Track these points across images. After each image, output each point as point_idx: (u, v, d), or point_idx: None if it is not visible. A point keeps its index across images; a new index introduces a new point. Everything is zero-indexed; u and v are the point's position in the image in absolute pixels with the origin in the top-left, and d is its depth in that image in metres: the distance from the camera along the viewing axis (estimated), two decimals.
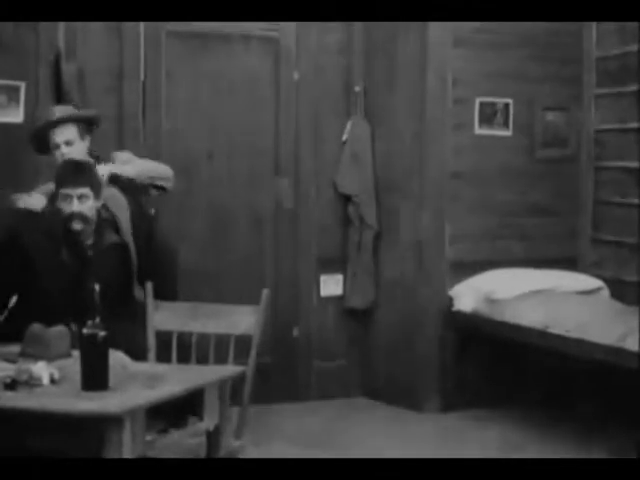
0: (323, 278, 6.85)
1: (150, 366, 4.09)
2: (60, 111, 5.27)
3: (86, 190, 4.74)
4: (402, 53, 6.64)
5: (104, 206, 4.91)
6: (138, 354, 4.26)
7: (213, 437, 3.80)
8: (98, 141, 5.88)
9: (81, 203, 4.72)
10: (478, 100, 6.58)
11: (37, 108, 5.78)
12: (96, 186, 4.80)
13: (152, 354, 4.32)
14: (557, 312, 5.82)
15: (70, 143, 5.15)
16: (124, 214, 5.04)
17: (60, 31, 5.92)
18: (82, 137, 5.21)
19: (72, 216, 4.72)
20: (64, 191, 4.74)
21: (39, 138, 5.23)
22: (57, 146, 5.14)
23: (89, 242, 4.85)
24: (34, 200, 4.99)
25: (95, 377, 3.40)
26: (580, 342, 5.48)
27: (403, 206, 6.65)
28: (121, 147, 6.11)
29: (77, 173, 4.80)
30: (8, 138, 5.76)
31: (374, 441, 5.86)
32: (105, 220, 4.92)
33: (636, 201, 6.34)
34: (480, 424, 6.17)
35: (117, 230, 4.95)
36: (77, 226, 4.74)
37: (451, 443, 5.82)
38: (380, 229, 6.82)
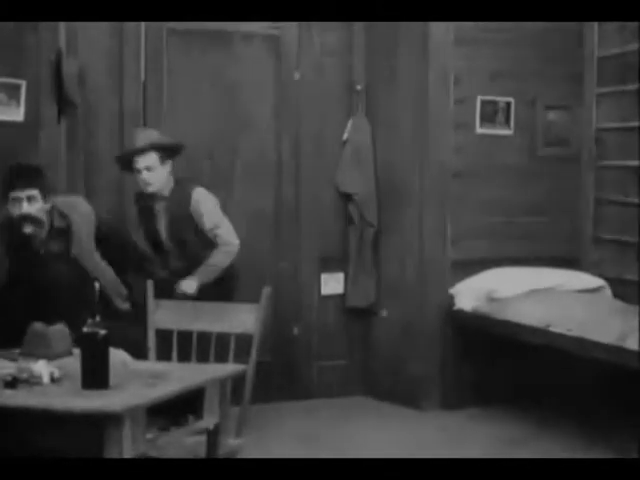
0: (324, 277, 6.85)
1: (150, 365, 4.09)
2: (143, 138, 5.54)
3: (34, 192, 4.79)
4: (403, 52, 6.64)
5: (61, 214, 4.92)
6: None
7: (213, 436, 3.80)
8: (98, 140, 5.92)
9: (30, 205, 4.76)
10: (479, 99, 6.58)
11: (39, 111, 5.81)
12: (45, 188, 4.84)
13: (152, 353, 4.32)
14: (558, 311, 5.82)
15: (150, 169, 5.48)
16: (86, 225, 5.07)
17: (61, 30, 5.93)
18: (162, 163, 5.50)
19: (22, 218, 4.75)
20: (13, 194, 4.78)
21: (124, 162, 5.59)
22: (139, 171, 5.48)
23: (42, 250, 4.90)
24: None
25: (95, 376, 3.41)
26: (581, 341, 5.48)
27: (404, 205, 6.65)
28: (121, 147, 6.12)
29: (25, 176, 4.85)
30: (8, 136, 5.76)
31: (374, 440, 5.86)
32: (57, 229, 4.93)
33: (637, 200, 6.34)
34: (481, 422, 6.18)
35: (69, 240, 4.98)
36: (28, 229, 4.78)
37: (452, 441, 5.83)
38: (381, 228, 6.82)
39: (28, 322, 4.11)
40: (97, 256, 5.10)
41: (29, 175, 4.88)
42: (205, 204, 5.57)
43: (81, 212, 5.11)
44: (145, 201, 5.62)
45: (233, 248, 5.59)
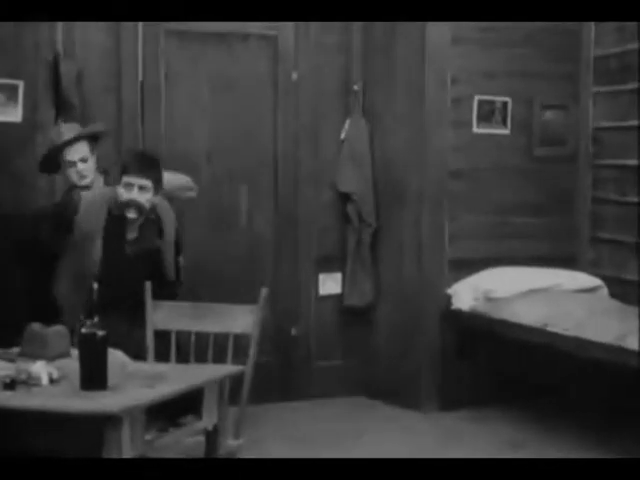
0: (322, 277, 6.85)
1: (149, 365, 4.09)
2: (70, 129, 5.40)
3: (148, 182, 4.83)
4: (400, 52, 6.64)
5: (152, 208, 4.95)
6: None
7: (212, 436, 3.80)
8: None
9: (140, 193, 4.82)
10: (476, 98, 6.58)
11: (37, 112, 5.80)
12: (158, 182, 4.89)
13: (151, 353, 4.32)
14: (556, 311, 5.82)
15: (85, 160, 5.32)
16: (170, 218, 5.10)
17: (59, 31, 5.93)
18: (92, 153, 5.38)
19: (129, 203, 4.80)
20: (127, 179, 4.83)
21: (51, 158, 5.35)
22: (73, 164, 5.31)
23: (132, 236, 4.91)
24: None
25: (94, 376, 3.41)
26: (579, 340, 5.48)
27: (402, 204, 6.65)
28: (120, 147, 6.13)
29: (144, 164, 4.91)
30: (6, 137, 5.76)
31: (373, 440, 5.86)
32: (151, 221, 4.96)
33: (635, 199, 6.35)
34: (479, 423, 6.18)
35: (160, 233, 4.99)
36: (131, 214, 4.82)
37: (450, 442, 5.83)
38: (379, 227, 6.82)
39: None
40: (173, 249, 5.11)
41: (147, 164, 4.93)
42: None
43: (165, 207, 5.13)
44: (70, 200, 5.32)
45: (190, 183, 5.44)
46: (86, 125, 5.61)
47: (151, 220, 4.96)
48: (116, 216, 4.86)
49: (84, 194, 5.02)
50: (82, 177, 5.33)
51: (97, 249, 4.84)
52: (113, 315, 4.15)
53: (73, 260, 4.93)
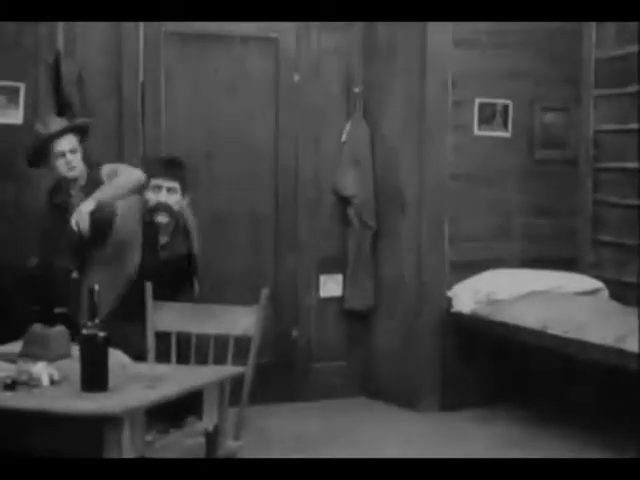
0: (323, 279, 6.86)
1: (149, 367, 4.09)
2: (56, 122, 5.42)
3: (175, 184, 4.93)
4: (401, 55, 6.65)
5: (181, 212, 5.00)
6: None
7: (212, 437, 3.80)
8: (99, 142, 5.91)
9: (169, 195, 4.90)
10: (477, 101, 6.59)
11: (36, 114, 5.80)
12: (186, 183, 4.98)
13: (151, 355, 4.32)
14: (556, 313, 5.82)
15: (74, 151, 5.33)
16: (194, 222, 5.19)
17: (59, 32, 5.93)
18: (80, 145, 5.39)
19: (158, 207, 4.89)
20: (155, 182, 4.93)
21: (40, 149, 5.33)
22: (62, 154, 5.30)
23: (163, 241, 4.96)
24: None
25: (95, 378, 3.41)
26: (579, 343, 5.48)
27: (403, 207, 6.65)
28: (121, 148, 6.13)
29: (170, 167, 5.02)
30: (8, 139, 5.77)
31: (374, 441, 5.86)
32: (182, 226, 5.05)
33: (635, 202, 6.35)
34: (479, 424, 6.18)
35: (188, 237, 5.10)
36: (162, 219, 4.91)
37: (451, 443, 5.82)
38: (379, 230, 6.83)
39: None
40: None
41: (173, 166, 5.03)
42: (109, 167, 5.35)
43: (189, 213, 5.18)
44: (61, 195, 5.39)
45: (136, 173, 5.22)
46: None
47: (181, 225, 5.00)
48: (148, 223, 4.91)
49: (120, 204, 5.00)
50: (70, 168, 5.32)
51: (136, 256, 4.88)
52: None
53: (106, 269, 4.90)
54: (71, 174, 5.34)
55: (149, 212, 4.92)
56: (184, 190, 5.00)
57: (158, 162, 5.19)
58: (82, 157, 5.38)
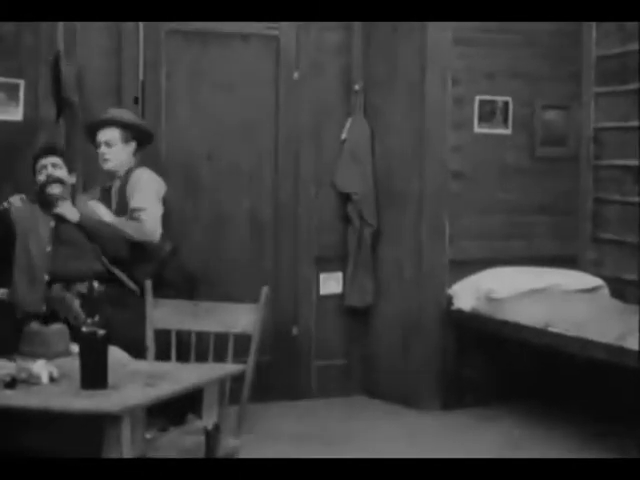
0: (323, 276, 6.85)
1: (149, 364, 4.09)
2: (111, 113, 5.58)
3: (57, 159, 5.13)
4: (402, 52, 6.64)
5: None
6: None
7: (212, 436, 3.79)
8: None
9: (55, 170, 5.09)
10: (478, 98, 6.59)
11: (37, 111, 5.81)
12: (67, 158, 5.20)
13: (151, 352, 4.32)
14: (557, 311, 5.82)
15: (109, 144, 5.46)
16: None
17: (60, 31, 5.92)
18: (125, 141, 5.48)
19: (48, 179, 5.06)
20: (39, 163, 5.14)
21: (90, 134, 5.59)
22: (99, 144, 5.48)
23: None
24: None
25: (94, 375, 3.40)
26: (580, 341, 5.48)
27: (403, 204, 6.65)
28: None
29: (49, 148, 5.26)
30: (8, 136, 5.77)
31: (374, 440, 5.86)
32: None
33: (636, 199, 6.34)
34: (480, 423, 6.18)
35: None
36: (55, 190, 5.05)
37: (451, 441, 5.82)
38: (379, 227, 6.82)
39: None
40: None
41: (53, 148, 5.29)
42: (141, 183, 5.39)
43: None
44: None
45: (147, 231, 5.25)
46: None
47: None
48: (44, 201, 5.05)
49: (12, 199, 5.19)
50: (104, 160, 5.47)
51: (36, 243, 5.00)
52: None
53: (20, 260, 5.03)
54: (105, 166, 5.49)
55: (41, 189, 5.07)
56: (69, 165, 5.17)
57: (37, 149, 5.33)
58: (130, 154, 5.49)
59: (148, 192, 5.37)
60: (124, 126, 5.48)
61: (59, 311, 4.77)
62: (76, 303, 4.78)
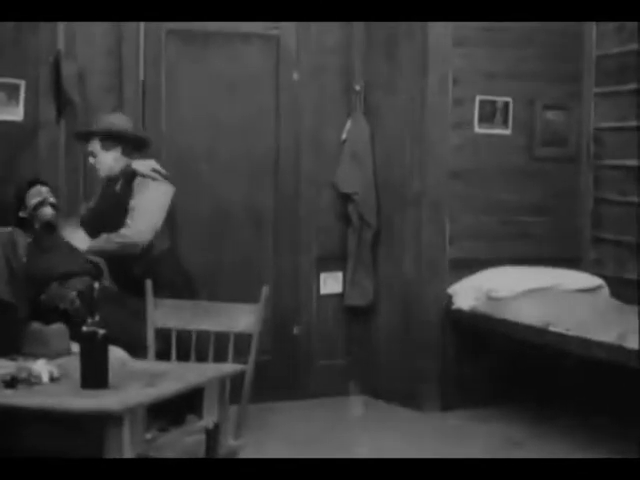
0: (323, 276, 6.86)
1: (150, 364, 4.09)
2: (95, 123, 5.55)
3: (46, 188, 5.08)
4: (402, 52, 6.64)
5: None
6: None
7: (212, 435, 3.80)
8: None
9: (49, 195, 5.03)
10: (478, 99, 6.59)
11: (37, 111, 5.81)
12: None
13: (152, 352, 4.32)
14: (557, 310, 5.82)
15: (93, 154, 5.47)
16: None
17: (60, 31, 5.93)
18: (106, 149, 5.45)
19: (42, 202, 4.99)
20: (34, 189, 5.06)
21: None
22: (88, 155, 5.53)
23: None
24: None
25: (95, 375, 3.41)
26: (580, 340, 5.48)
27: (403, 204, 6.65)
28: None
29: (39, 180, 5.19)
30: (8, 136, 5.77)
31: (374, 439, 5.86)
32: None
33: (636, 199, 6.35)
34: (480, 423, 6.18)
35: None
36: (47, 211, 4.98)
37: (451, 441, 5.83)
38: (380, 227, 6.83)
39: None
40: None
41: (40, 180, 5.20)
42: (142, 188, 5.37)
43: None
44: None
45: (130, 241, 5.23)
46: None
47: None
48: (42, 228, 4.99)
49: None
50: (95, 169, 5.50)
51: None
52: None
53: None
54: (99, 174, 5.51)
55: (35, 208, 5.00)
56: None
57: (27, 184, 5.21)
58: (116, 158, 5.45)
59: (147, 201, 5.34)
60: (101, 135, 5.45)
61: (58, 304, 4.79)
62: (72, 294, 4.80)
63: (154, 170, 5.38)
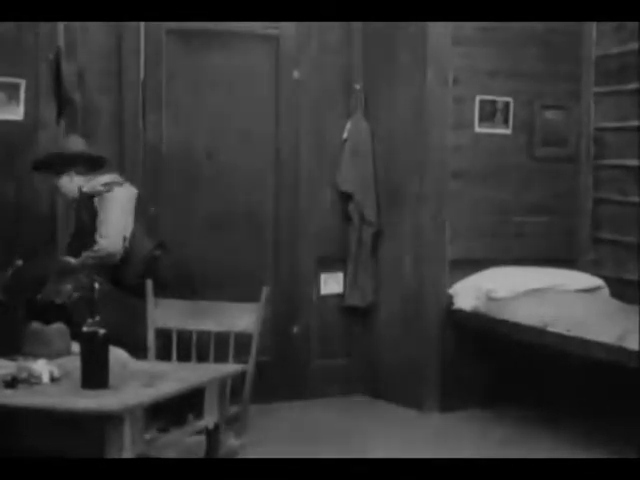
0: (323, 276, 6.86)
1: (150, 364, 4.09)
2: (73, 142, 5.57)
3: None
4: (402, 52, 6.64)
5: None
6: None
7: (213, 435, 3.80)
8: (99, 141, 5.92)
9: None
10: (478, 98, 6.59)
11: (37, 110, 5.82)
12: None
13: (152, 352, 4.32)
14: (557, 311, 5.82)
15: (55, 181, 5.51)
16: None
17: (60, 30, 5.93)
18: (58, 175, 5.47)
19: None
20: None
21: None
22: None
23: None
24: None
25: (95, 375, 3.41)
26: (580, 341, 5.48)
27: (403, 204, 6.65)
28: (121, 146, 6.13)
29: None
30: (8, 135, 5.77)
31: (374, 439, 5.86)
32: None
33: (636, 199, 6.35)
34: (480, 423, 6.18)
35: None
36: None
37: (451, 441, 5.83)
38: (380, 227, 6.83)
39: None
40: None
41: None
42: (105, 203, 5.40)
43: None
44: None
45: (105, 253, 5.31)
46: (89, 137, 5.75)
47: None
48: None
49: None
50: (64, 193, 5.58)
51: None
52: None
53: None
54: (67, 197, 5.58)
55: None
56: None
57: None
58: (73, 180, 5.45)
59: (109, 212, 5.37)
60: (47, 166, 5.48)
61: (54, 299, 4.82)
62: (68, 287, 4.83)
63: (104, 184, 5.41)
